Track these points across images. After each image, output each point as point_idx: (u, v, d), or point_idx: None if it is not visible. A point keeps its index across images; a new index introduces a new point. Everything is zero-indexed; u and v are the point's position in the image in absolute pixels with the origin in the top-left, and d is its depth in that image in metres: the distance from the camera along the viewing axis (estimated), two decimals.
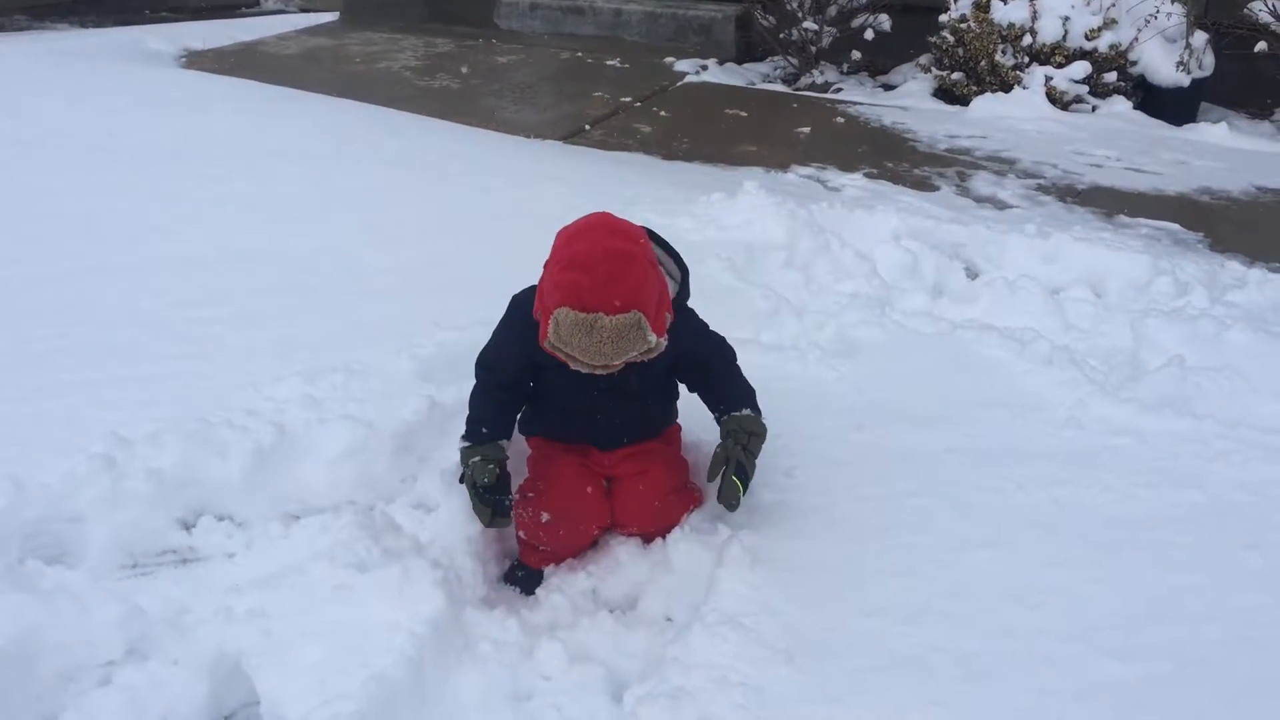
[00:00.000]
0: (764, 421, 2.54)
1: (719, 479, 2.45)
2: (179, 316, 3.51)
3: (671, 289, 2.45)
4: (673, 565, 2.52)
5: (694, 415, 2.67)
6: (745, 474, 2.44)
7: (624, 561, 2.59)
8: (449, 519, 2.63)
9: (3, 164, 4.91)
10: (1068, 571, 2.41)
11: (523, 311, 2.41)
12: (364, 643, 2.18)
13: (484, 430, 2.53)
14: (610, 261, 2.17)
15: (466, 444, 2.53)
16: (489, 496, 2.49)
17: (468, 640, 2.30)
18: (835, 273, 4.06)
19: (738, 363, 2.63)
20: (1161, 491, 2.69)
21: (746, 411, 2.54)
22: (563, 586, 2.55)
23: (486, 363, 2.57)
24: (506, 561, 2.68)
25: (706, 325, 2.60)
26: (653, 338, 2.20)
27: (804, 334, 3.52)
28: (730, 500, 2.43)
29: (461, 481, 2.56)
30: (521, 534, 2.60)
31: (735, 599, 2.31)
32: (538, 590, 2.57)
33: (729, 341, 2.64)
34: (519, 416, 2.69)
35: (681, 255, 2.54)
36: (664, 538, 2.59)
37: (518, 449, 2.72)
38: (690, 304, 2.56)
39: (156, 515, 2.60)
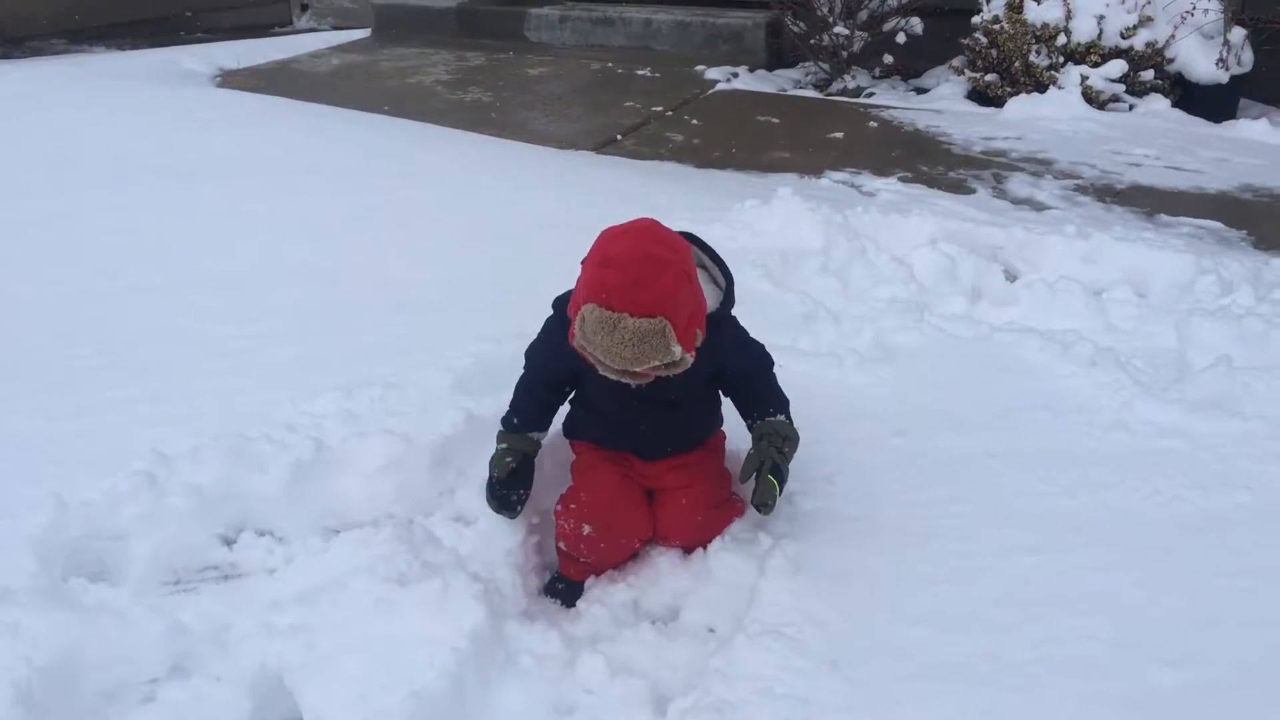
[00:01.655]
0: (796, 429, 2.51)
1: (753, 480, 2.41)
2: (216, 333, 3.53)
3: (716, 297, 2.43)
4: (714, 575, 2.50)
5: (737, 423, 2.64)
6: (780, 474, 2.41)
7: (665, 572, 2.57)
8: (488, 531, 2.62)
9: (41, 183, 4.97)
10: (1116, 576, 2.36)
11: (562, 313, 2.42)
12: (405, 657, 2.18)
13: (516, 421, 2.57)
14: (644, 265, 2.15)
15: (500, 430, 2.58)
16: (498, 489, 2.51)
17: (509, 654, 2.29)
18: (872, 278, 4.02)
19: (774, 371, 2.61)
20: (1211, 494, 2.64)
21: (781, 417, 2.51)
22: (603, 598, 2.53)
23: (531, 356, 2.59)
24: (546, 574, 2.68)
25: (748, 333, 2.59)
26: (677, 349, 2.16)
27: (841, 340, 3.49)
28: (765, 500, 2.37)
29: None
30: (562, 545, 2.59)
31: (778, 609, 2.29)
32: (578, 602, 2.56)
33: (767, 349, 2.62)
34: (566, 420, 2.69)
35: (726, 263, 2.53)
36: (705, 548, 2.57)
37: (564, 457, 2.72)
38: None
39: (198, 531, 2.61)
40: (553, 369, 2.53)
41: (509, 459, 2.52)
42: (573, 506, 2.54)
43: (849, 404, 3.07)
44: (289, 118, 6.41)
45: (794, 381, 2.71)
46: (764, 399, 2.55)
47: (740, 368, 2.54)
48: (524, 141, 6.36)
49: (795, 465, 2.51)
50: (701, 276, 2.40)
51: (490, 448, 2.65)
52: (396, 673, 2.14)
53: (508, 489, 2.53)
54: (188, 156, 5.33)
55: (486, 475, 2.59)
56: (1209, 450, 2.81)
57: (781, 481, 2.41)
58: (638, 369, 2.20)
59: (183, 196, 4.79)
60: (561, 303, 2.46)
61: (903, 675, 2.12)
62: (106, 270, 4.01)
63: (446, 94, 7.70)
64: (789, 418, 2.53)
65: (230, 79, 8.00)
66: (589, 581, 2.60)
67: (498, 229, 4.48)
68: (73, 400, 3.11)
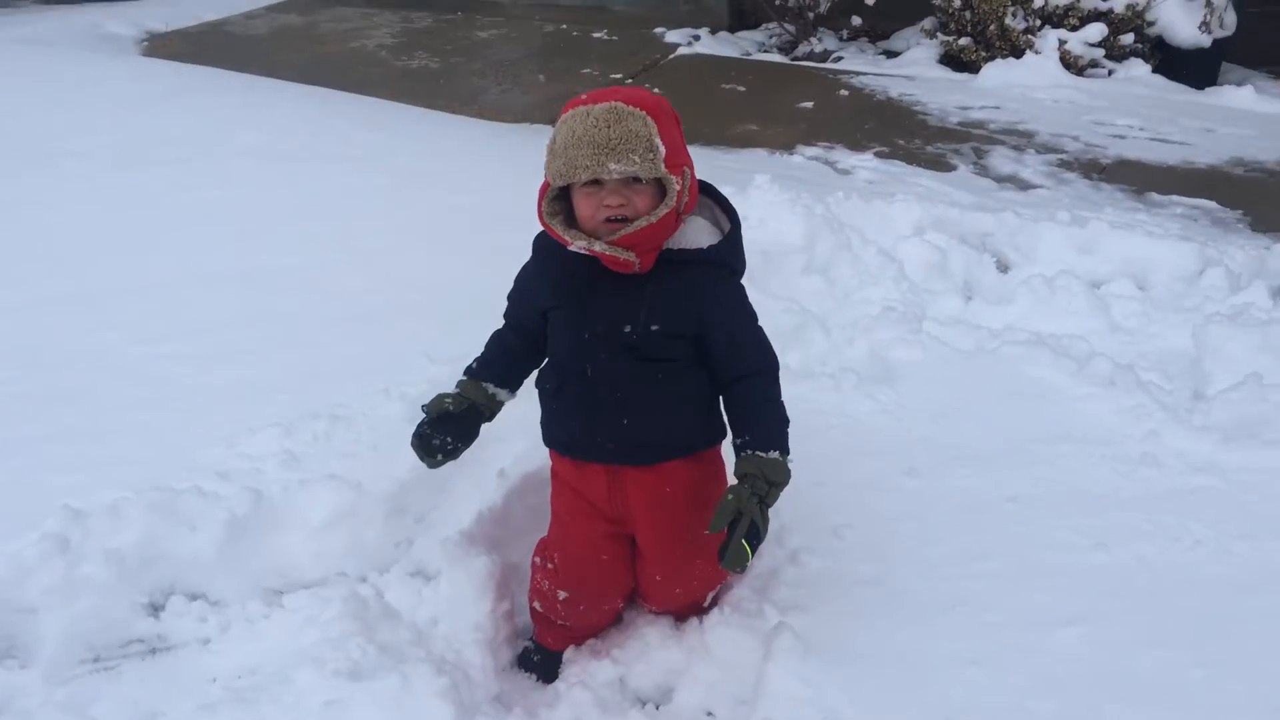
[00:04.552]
0: (790, 465, 2.06)
1: (725, 533, 1.95)
2: (142, 354, 3.18)
3: (713, 238, 2.08)
4: (712, 652, 2.21)
5: None
6: (758, 536, 1.96)
7: (655, 645, 2.28)
8: (451, 592, 2.32)
9: None
10: (1169, 654, 2.08)
11: (538, 250, 2.15)
12: None
13: (474, 366, 2.24)
14: (622, 87, 1.96)
15: (462, 377, 2.24)
16: (422, 428, 2.17)
17: None
18: (859, 276, 3.72)
19: (778, 382, 2.16)
20: (1260, 544, 2.36)
21: (774, 455, 2.05)
22: (585, 677, 2.24)
23: (509, 300, 2.24)
24: (520, 642, 2.37)
25: (756, 317, 2.17)
26: (660, 146, 1.88)
27: (834, 352, 3.19)
28: (735, 566, 1.93)
29: None
30: (537, 605, 2.29)
31: (789, 702, 2.00)
32: (557, 682, 2.25)
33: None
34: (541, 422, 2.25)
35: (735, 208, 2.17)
36: (700, 619, 2.27)
37: (535, 500, 2.42)
38: None
39: (119, 601, 2.30)
40: (524, 306, 2.18)
41: (448, 401, 2.17)
42: (549, 566, 2.24)
43: (851, 436, 2.77)
44: (220, 93, 5.92)
45: (788, 407, 2.35)
46: (761, 414, 2.10)
47: (729, 330, 2.09)
48: (475, 116, 5.96)
49: (798, 516, 2.22)
50: (702, 216, 2.08)
51: (452, 489, 2.41)
52: None
53: (435, 430, 2.16)
54: (109, 140, 4.87)
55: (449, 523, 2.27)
56: (1250, 489, 2.54)
57: (756, 545, 1.96)
58: (614, 164, 1.86)
59: (104, 188, 4.37)
60: (540, 239, 2.14)
61: None
62: (20, 278, 3.64)
63: (391, 60, 7.27)
64: (784, 448, 2.07)
65: (157, 45, 7.50)
66: (568, 654, 2.30)
67: (449, 223, 4.12)
68: None
